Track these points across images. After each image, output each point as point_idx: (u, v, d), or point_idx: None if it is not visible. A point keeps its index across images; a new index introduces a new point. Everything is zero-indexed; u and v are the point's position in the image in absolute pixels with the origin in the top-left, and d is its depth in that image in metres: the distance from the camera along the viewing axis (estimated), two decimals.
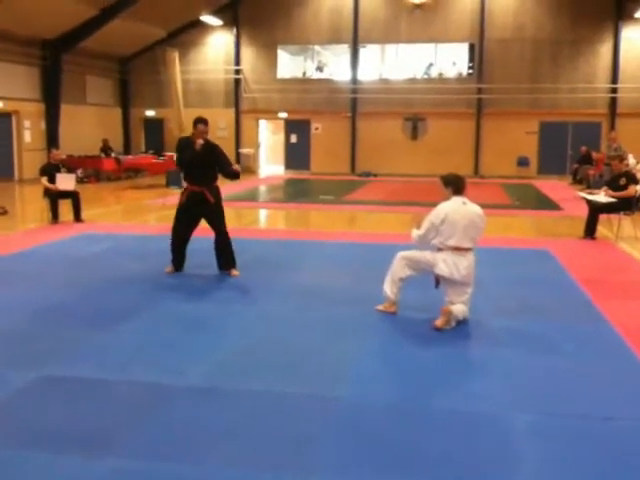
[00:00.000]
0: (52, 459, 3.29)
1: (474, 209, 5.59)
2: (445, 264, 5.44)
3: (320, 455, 3.36)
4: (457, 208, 5.48)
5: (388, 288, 5.78)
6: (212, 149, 7.20)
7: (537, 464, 3.29)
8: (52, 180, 11.25)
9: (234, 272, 7.30)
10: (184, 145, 7.19)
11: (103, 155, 21.88)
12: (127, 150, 25.85)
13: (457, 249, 5.46)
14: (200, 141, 7.00)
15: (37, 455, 3.32)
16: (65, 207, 11.55)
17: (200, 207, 7.16)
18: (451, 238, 5.44)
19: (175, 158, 7.43)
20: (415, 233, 5.65)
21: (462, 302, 5.47)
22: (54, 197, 11.29)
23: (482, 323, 5.59)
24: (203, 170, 7.14)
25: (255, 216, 13.69)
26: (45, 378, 4.34)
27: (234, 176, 7.39)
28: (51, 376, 4.37)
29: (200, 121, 7.10)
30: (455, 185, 5.58)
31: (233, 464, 3.27)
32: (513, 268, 7.91)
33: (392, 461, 3.30)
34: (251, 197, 16.83)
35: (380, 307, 5.88)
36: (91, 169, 20.68)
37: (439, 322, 5.40)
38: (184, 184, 7.40)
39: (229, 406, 3.94)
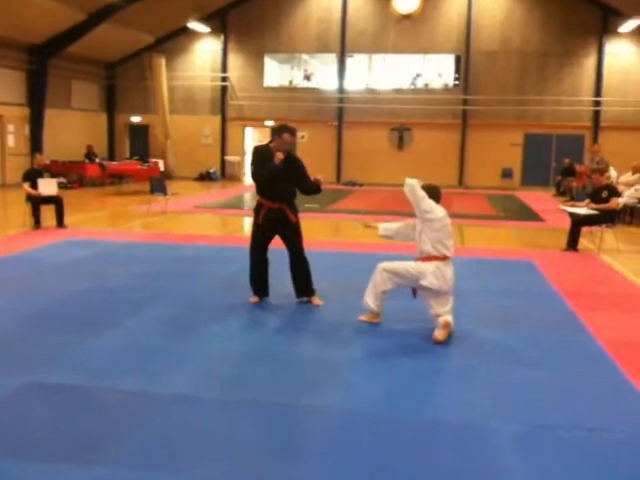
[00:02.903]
0: (37, 467, 3.25)
1: (448, 221, 5.61)
2: (435, 277, 5.38)
3: (306, 465, 3.34)
4: (444, 216, 5.51)
5: (370, 300, 5.70)
6: (294, 162, 6.35)
7: (523, 476, 3.29)
8: (35, 185, 11.16)
9: (316, 301, 6.43)
10: (262, 156, 6.20)
11: (87, 161, 21.77)
12: (112, 156, 25.72)
13: (445, 257, 5.46)
14: (280, 155, 6.04)
15: (21, 463, 3.27)
16: (48, 213, 11.46)
17: (278, 226, 6.30)
18: (448, 240, 5.44)
19: (251, 170, 6.32)
20: (414, 181, 5.51)
21: (446, 312, 5.47)
22: (36, 202, 11.19)
23: (466, 334, 5.59)
24: (284, 185, 6.23)
25: (240, 224, 13.66)
26: (29, 385, 4.29)
27: (316, 190, 6.50)
28: (35, 383, 4.32)
29: (286, 129, 6.16)
30: (430, 194, 5.52)
31: (218, 474, 3.25)
32: (497, 279, 7.94)
33: (379, 472, 3.29)
34: (236, 205, 16.79)
35: (363, 317, 5.85)
36: (75, 175, 20.56)
37: (440, 335, 5.32)
38: (258, 200, 6.42)
39: (214, 415, 3.91)
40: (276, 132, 6.26)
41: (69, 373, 4.51)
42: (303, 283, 6.42)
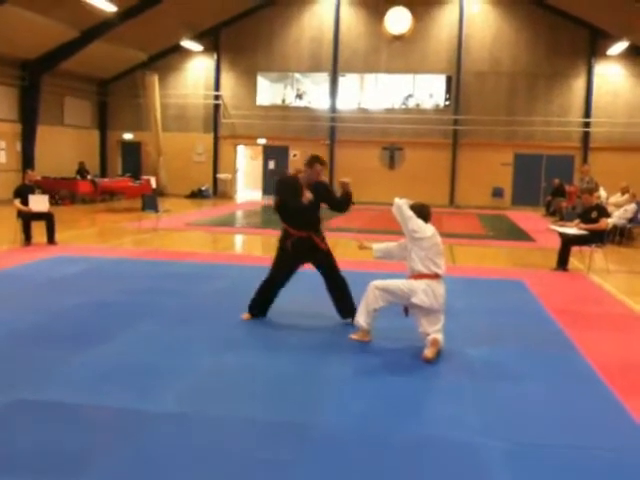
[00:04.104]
0: None
1: (439, 239, 5.65)
2: (425, 294, 5.40)
3: None
4: (434, 234, 5.54)
5: (362, 319, 5.73)
6: (319, 190, 6.26)
7: None
8: (26, 202, 11.14)
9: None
10: (291, 189, 6.15)
11: (79, 177, 21.75)
12: (104, 173, 25.73)
13: (437, 275, 5.49)
14: (309, 195, 6.06)
15: (6, 479, 3.25)
16: (39, 229, 11.43)
17: (308, 254, 6.26)
18: (438, 258, 5.47)
19: (276, 201, 6.22)
20: (401, 202, 5.58)
21: (436, 331, 5.47)
22: (27, 219, 11.17)
23: (456, 352, 5.60)
24: (309, 214, 6.23)
25: (230, 241, 13.67)
26: (16, 402, 4.26)
27: (347, 203, 6.41)
28: (23, 400, 4.30)
29: (318, 160, 6.21)
30: (419, 213, 5.59)
31: None
32: (487, 298, 7.97)
33: None
34: (227, 222, 16.80)
35: (354, 336, 5.86)
36: (66, 191, 20.53)
37: (429, 353, 5.33)
38: (285, 228, 6.30)
39: (201, 431, 3.90)
40: (307, 163, 6.25)
41: (57, 389, 4.49)
42: (349, 305, 6.33)
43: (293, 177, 6.39)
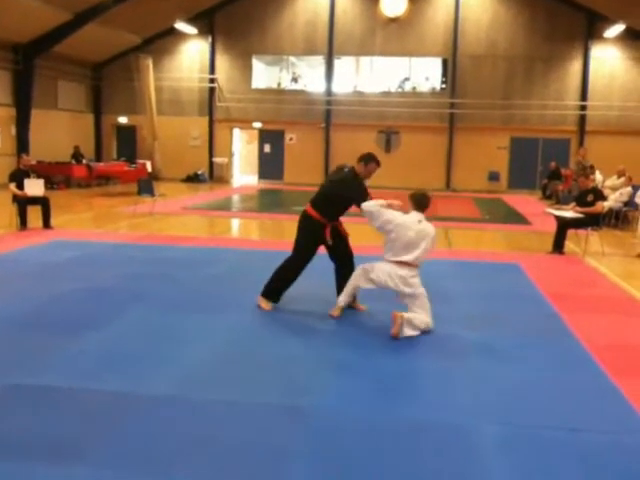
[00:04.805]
0: (18, 468, 3.24)
1: (427, 229, 5.69)
2: (384, 273, 5.65)
3: (289, 466, 3.35)
4: (410, 224, 5.63)
5: (342, 298, 6.06)
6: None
7: (505, 476, 3.32)
8: (21, 186, 11.11)
9: (361, 307, 6.37)
10: (364, 189, 6.06)
11: (74, 162, 21.65)
12: (99, 157, 25.62)
13: (397, 262, 5.64)
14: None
15: (2, 464, 3.26)
16: (34, 213, 11.39)
17: (334, 240, 6.30)
18: (391, 251, 5.67)
19: (362, 197, 5.91)
20: (371, 206, 5.71)
21: (414, 311, 5.60)
22: (23, 203, 11.13)
23: (451, 335, 5.63)
24: (345, 208, 6.31)
25: (227, 225, 13.65)
26: (12, 387, 4.26)
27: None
28: (18, 385, 4.30)
29: (375, 160, 6.11)
30: (416, 202, 5.75)
31: (201, 475, 3.25)
32: (483, 281, 7.98)
33: (361, 473, 3.30)
34: (224, 206, 16.77)
35: (333, 312, 6.09)
36: (61, 176, 20.44)
37: (393, 329, 5.49)
38: (318, 219, 6.21)
39: (197, 416, 3.91)
40: (364, 159, 6.10)
41: (51, 375, 4.49)
42: None
43: (357, 174, 6.13)
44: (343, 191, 6.09)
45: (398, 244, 5.63)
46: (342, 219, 6.45)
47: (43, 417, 3.83)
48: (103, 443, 3.54)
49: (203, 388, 4.35)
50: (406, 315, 5.51)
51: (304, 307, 6.46)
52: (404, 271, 5.63)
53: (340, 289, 6.37)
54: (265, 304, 6.37)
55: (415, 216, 5.68)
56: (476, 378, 4.68)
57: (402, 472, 3.32)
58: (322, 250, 6.40)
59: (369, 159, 6.09)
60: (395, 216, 5.65)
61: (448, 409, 4.11)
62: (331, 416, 3.96)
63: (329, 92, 24.90)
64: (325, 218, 6.20)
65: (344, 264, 6.41)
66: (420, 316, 5.57)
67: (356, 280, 5.94)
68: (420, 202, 5.74)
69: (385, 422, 3.89)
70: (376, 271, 5.74)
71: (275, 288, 6.39)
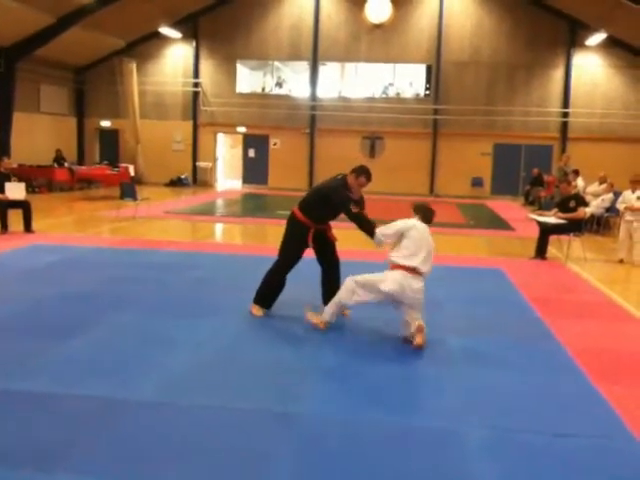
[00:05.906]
0: (2, 475, 3.19)
1: (430, 240, 5.64)
2: (394, 283, 5.38)
3: (276, 471, 3.33)
4: (423, 231, 5.56)
5: (331, 310, 5.79)
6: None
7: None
8: (2, 189, 10.99)
9: (345, 312, 6.19)
10: (350, 198, 6.01)
11: (56, 165, 21.47)
12: (81, 161, 25.41)
13: (414, 270, 5.45)
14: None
15: None
16: (15, 217, 11.27)
17: (320, 244, 6.37)
18: (414, 257, 5.45)
19: (350, 205, 5.91)
20: (380, 231, 5.65)
21: (419, 318, 5.48)
22: (4, 207, 11.02)
23: (436, 341, 5.62)
24: (335, 215, 6.30)
25: (210, 230, 13.59)
26: None
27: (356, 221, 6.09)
28: (2, 390, 4.24)
29: (366, 174, 6.05)
30: (423, 214, 5.70)
31: None
32: (467, 286, 8.01)
33: (348, 478, 3.29)
34: (207, 211, 16.70)
35: (314, 319, 5.87)
36: (43, 179, 20.26)
37: (420, 339, 5.34)
38: (304, 222, 6.20)
39: (183, 421, 3.88)
40: (356, 172, 6.05)
41: (35, 380, 4.43)
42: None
43: (346, 184, 6.09)
44: (328, 193, 6.10)
45: (411, 246, 5.48)
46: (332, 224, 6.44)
47: (28, 423, 3.78)
48: (88, 449, 3.49)
49: (189, 394, 4.31)
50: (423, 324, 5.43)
51: (292, 312, 6.42)
52: (416, 282, 5.43)
53: (325, 294, 6.34)
54: (256, 310, 6.34)
55: (422, 224, 5.64)
56: (462, 383, 4.68)
57: (389, 477, 3.31)
58: (312, 254, 6.39)
59: (360, 172, 6.05)
60: (405, 222, 5.60)
61: (435, 414, 4.11)
62: (318, 422, 3.95)
63: (314, 97, 24.93)
64: (310, 220, 6.19)
65: (330, 269, 6.41)
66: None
67: (343, 297, 5.68)
68: (426, 215, 5.70)
69: (372, 427, 3.88)
70: (375, 278, 5.53)
71: (264, 294, 6.37)
